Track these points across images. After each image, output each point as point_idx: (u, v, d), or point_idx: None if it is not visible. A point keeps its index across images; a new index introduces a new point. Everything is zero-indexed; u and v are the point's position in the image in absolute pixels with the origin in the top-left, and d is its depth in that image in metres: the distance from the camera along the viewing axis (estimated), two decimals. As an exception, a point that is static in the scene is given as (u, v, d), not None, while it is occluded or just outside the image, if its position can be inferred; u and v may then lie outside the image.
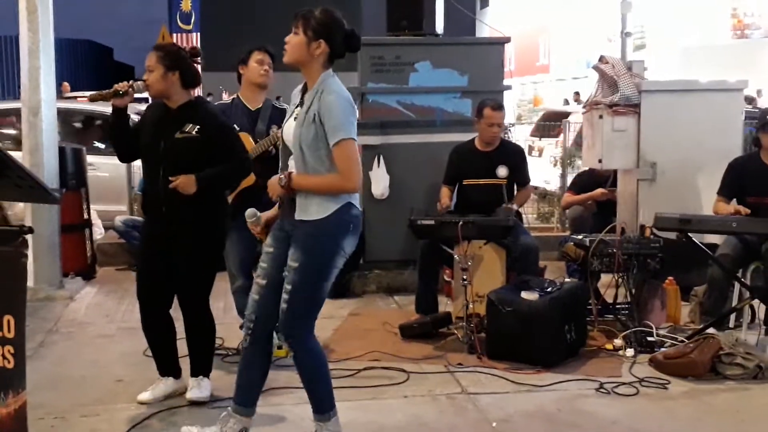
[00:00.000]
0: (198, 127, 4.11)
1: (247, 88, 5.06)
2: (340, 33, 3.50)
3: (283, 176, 3.49)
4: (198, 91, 5.30)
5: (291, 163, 3.55)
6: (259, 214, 3.75)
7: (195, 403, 4.18)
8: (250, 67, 5.00)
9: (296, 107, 3.56)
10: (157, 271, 4.20)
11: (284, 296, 3.48)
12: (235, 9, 29.58)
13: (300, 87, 3.63)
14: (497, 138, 5.95)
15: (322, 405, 3.62)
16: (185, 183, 4.04)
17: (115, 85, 4.15)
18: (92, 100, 4.30)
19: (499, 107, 5.88)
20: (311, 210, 3.45)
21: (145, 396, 4.25)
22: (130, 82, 4.19)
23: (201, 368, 4.29)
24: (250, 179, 4.92)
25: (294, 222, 3.50)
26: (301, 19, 3.47)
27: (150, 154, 4.18)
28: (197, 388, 4.23)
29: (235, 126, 4.97)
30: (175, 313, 4.27)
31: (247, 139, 4.91)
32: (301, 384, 4.44)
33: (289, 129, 3.53)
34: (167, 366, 4.33)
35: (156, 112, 4.26)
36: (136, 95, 4.26)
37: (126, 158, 4.49)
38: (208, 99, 8.68)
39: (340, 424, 3.67)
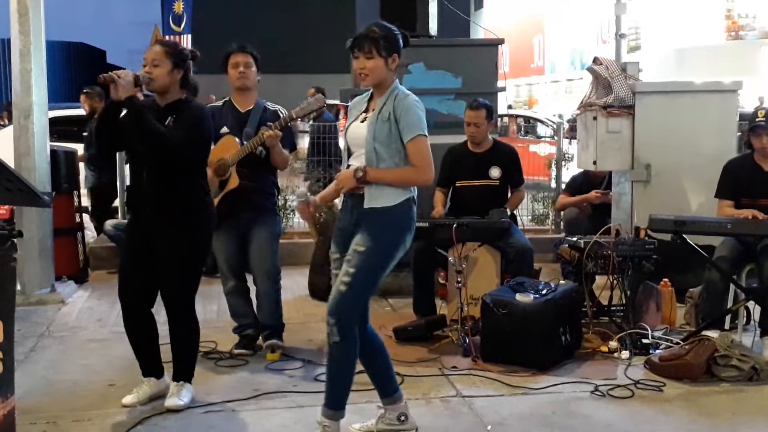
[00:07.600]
0: (175, 117, 4.08)
1: (234, 91, 5.08)
2: (400, 39, 3.69)
3: (359, 169, 3.58)
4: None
5: (353, 162, 3.67)
6: (309, 194, 3.76)
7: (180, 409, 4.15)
8: (228, 72, 5.01)
9: (360, 113, 3.72)
10: (138, 270, 4.15)
11: (344, 279, 3.55)
12: (226, 11, 29.53)
13: (361, 96, 3.80)
14: (477, 137, 5.88)
15: (332, 401, 3.69)
16: None
17: (139, 72, 4.04)
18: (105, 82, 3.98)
19: (475, 107, 5.83)
20: (382, 198, 3.58)
21: (129, 399, 4.21)
22: (138, 72, 4.04)
23: (183, 374, 4.25)
24: (235, 182, 4.90)
25: (360, 213, 3.60)
26: (369, 42, 3.60)
27: (136, 151, 4.18)
28: (176, 396, 4.18)
29: (225, 128, 4.96)
30: (161, 316, 4.24)
31: (233, 141, 4.89)
32: (293, 388, 4.45)
33: (356, 130, 3.69)
34: (149, 366, 4.29)
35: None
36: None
37: (106, 155, 4.31)
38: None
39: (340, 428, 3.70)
